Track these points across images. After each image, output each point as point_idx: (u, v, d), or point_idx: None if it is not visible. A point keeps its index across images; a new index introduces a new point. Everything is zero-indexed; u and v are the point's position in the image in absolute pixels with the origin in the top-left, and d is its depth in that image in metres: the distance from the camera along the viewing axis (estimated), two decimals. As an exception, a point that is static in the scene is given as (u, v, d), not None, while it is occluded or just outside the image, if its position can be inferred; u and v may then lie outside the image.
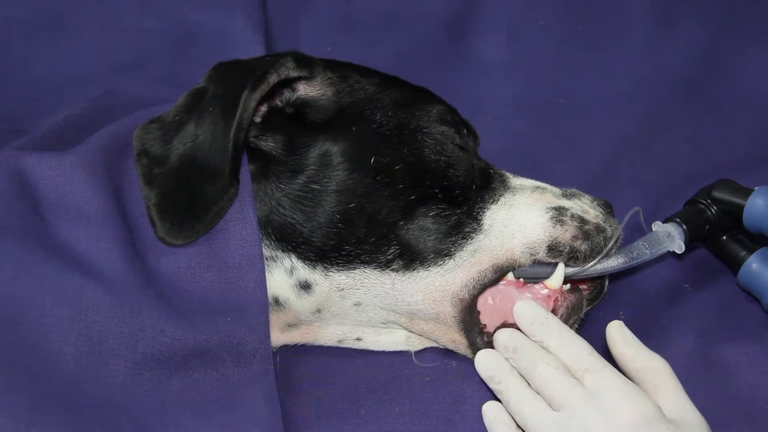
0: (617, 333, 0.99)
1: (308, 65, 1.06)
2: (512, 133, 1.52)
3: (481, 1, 1.67)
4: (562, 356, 0.97)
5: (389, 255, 1.02)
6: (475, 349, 1.05)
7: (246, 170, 1.01)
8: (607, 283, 1.15)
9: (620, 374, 0.94)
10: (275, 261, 1.03)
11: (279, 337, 1.08)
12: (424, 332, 1.08)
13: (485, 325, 1.06)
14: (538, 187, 1.12)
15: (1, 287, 0.90)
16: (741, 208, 1.16)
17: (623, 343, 0.98)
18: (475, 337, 1.05)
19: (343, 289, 1.04)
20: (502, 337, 1.02)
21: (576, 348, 0.97)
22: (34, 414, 0.84)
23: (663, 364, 0.96)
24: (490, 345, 1.04)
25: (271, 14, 1.64)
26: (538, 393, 0.96)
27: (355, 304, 1.05)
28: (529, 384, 0.97)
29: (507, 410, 0.98)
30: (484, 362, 1.01)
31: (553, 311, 1.07)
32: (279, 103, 1.06)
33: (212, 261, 0.99)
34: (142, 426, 0.90)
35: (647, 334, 1.12)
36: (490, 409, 0.99)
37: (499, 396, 1.00)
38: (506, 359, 1.00)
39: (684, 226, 1.18)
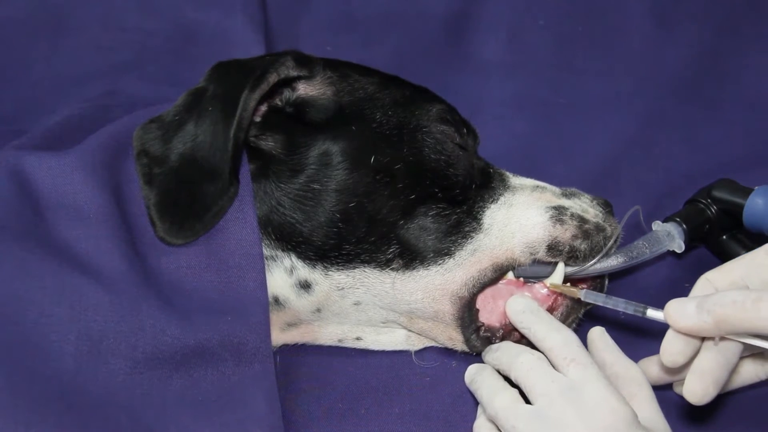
0: (599, 338, 0.99)
1: (308, 64, 1.06)
2: (512, 133, 1.51)
3: (481, 1, 1.67)
4: (549, 342, 0.95)
5: (389, 254, 1.02)
6: (469, 345, 1.05)
7: (246, 170, 1.01)
8: (607, 282, 1.15)
9: (604, 374, 0.92)
10: (275, 260, 1.03)
11: (279, 336, 1.08)
12: (422, 331, 1.08)
13: (483, 323, 1.06)
14: (537, 186, 1.12)
15: (1, 287, 0.90)
16: (741, 207, 1.16)
17: (604, 348, 0.98)
18: (470, 334, 1.05)
19: (342, 289, 1.04)
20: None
21: (565, 336, 0.96)
22: (34, 414, 0.84)
23: (641, 373, 0.96)
24: (483, 341, 1.04)
25: (271, 14, 1.63)
26: (516, 384, 0.94)
27: (355, 304, 1.05)
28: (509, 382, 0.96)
29: (481, 406, 0.97)
30: (468, 369, 1.02)
31: (552, 310, 1.08)
32: (279, 103, 1.06)
33: (212, 260, 0.99)
34: (142, 425, 0.90)
35: (647, 334, 1.13)
36: (477, 424, 0.98)
37: (475, 395, 0.99)
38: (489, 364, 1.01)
39: (684, 226, 1.18)
